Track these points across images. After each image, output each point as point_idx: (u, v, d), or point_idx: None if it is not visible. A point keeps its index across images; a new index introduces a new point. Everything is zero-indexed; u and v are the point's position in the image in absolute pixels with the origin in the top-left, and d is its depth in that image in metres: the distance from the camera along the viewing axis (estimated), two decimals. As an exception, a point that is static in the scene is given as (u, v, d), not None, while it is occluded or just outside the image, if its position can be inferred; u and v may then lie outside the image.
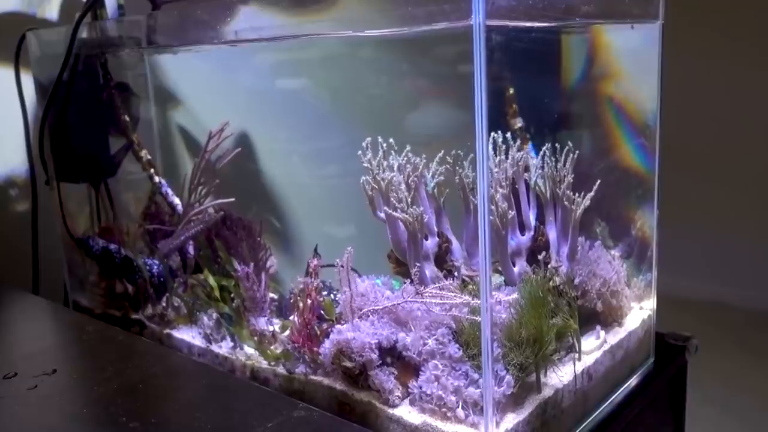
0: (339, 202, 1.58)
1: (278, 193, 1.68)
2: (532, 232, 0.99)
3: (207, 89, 1.58)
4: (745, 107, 3.33)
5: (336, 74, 1.56)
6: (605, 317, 1.05)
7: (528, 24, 0.84)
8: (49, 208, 1.47)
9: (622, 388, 1.06)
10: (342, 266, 0.95)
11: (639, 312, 1.14)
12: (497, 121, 1.29)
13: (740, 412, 2.51)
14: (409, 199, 0.93)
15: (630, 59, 1.16)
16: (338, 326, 0.95)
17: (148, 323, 1.28)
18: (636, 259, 1.18)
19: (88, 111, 1.35)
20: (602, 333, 1.03)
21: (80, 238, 1.39)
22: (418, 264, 0.91)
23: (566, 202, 0.95)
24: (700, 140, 3.43)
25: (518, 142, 1.24)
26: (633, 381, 1.09)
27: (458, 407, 0.84)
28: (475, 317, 0.84)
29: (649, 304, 1.15)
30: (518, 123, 1.27)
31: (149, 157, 1.31)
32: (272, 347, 1.07)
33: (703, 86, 3.38)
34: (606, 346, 1.02)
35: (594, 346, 1.01)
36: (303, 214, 1.67)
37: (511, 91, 1.27)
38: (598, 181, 0.97)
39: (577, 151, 0.97)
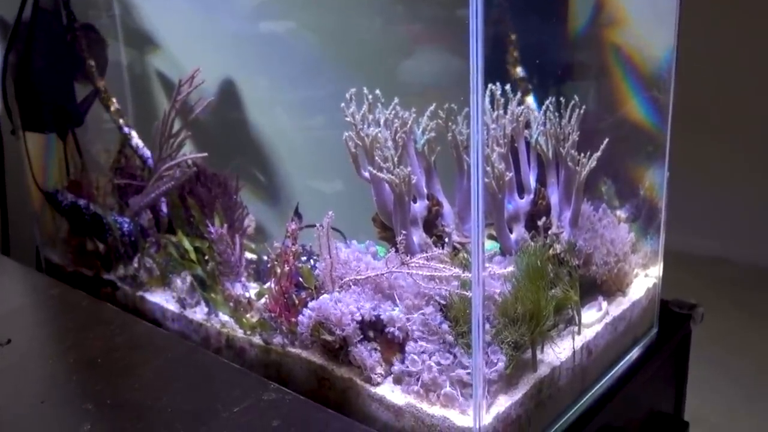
0: (327, 155, 1.49)
1: (263, 144, 1.59)
2: (531, 196, 0.90)
3: (185, 31, 1.47)
4: (755, 60, 3.21)
5: (325, 16, 1.44)
6: (608, 287, 0.97)
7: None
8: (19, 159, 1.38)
9: (623, 362, 0.99)
10: (322, 232, 0.86)
11: (644, 279, 1.06)
12: (496, 70, 1.20)
13: (735, 372, 2.47)
14: (396, 158, 0.84)
15: (643, 3, 1.05)
16: (317, 297, 0.87)
17: (121, 284, 1.20)
18: (643, 223, 1.10)
19: (51, 55, 1.24)
20: (604, 304, 0.95)
21: (48, 192, 1.30)
22: (404, 231, 0.82)
23: (570, 163, 0.86)
24: (704, 93, 3.32)
25: (519, 93, 1.14)
26: (635, 353, 1.02)
27: (445, 389, 0.77)
28: (465, 292, 0.75)
29: (655, 271, 1.07)
30: (519, 72, 1.17)
31: (118, 106, 1.21)
32: (248, 315, 1.00)
33: (713, 38, 3.25)
34: (608, 318, 0.94)
35: (595, 319, 0.93)
36: (289, 168, 1.58)
37: (513, 37, 1.17)
38: (606, 140, 0.87)
39: (583, 106, 0.87)
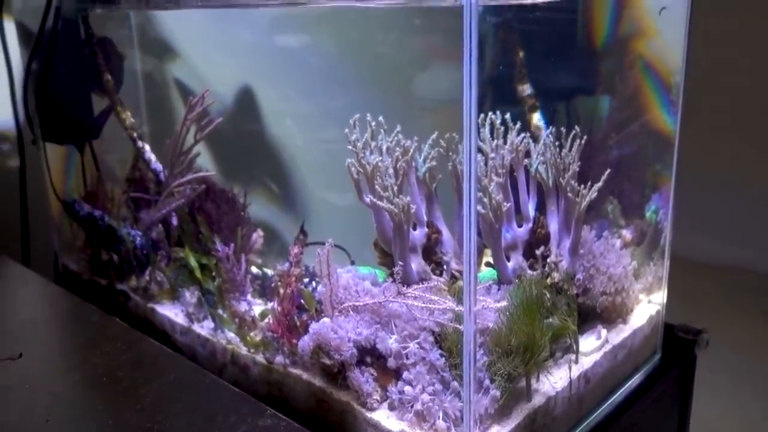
0: (340, 167, 1.50)
1: (277, 155, 1.61)
2: (530, 224, 0.90)
3: (201, 45, 1.49)
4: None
5: (341, 29, 1.45)
6: (608, 315, 0.97)
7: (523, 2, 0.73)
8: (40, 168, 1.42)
9: (623, 389, 0.99)
10: (323, 257, 0.87)
11: (647, 306, 1.05)
12: (504, 87, 1.20)
13: (754, 381, 2.44)
14: (396, 187, 0.85)
15: (654, 21, 1.04)
16: (316, 321, 0.88)
17: (133, 295, 1.23)
18: (648, 247, 1.10)
19: (70, 69, 1.27)
20: (604, 332, 0.95)
21: (67, 201, 1.33)
22: (401, 263, 0.83)
23: (570, 194, 0.86)
24: (725, 97, 3.27)
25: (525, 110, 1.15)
26: (636, 380, 1.02)
27: (438, 419, 0.78)
28: (458, 325, 0.76)
29: (659, 298, 1.06)
30: (527, 89, 1.17)
31: (132, 120, 1.23)
32: (252, 334, 1.02)
33: (728, 41, 3.20)
34: (607, 347, 0.94)
35: (594, 347, 0.93)
36: (302, 180, 1.60)
37: (521, 54, 1.17)
38: (608, 171, 0.87)
39: (585, 137, 0.87)
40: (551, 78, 1.15)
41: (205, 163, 1.51)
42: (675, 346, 1.11)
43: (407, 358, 0.81)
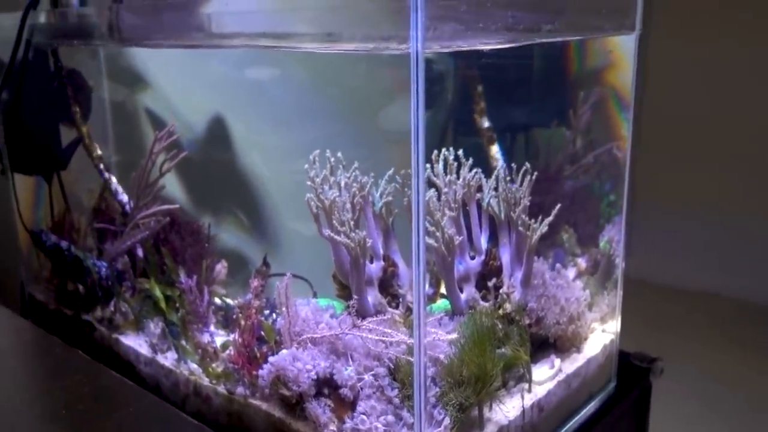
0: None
1: (248, 186, 1.63)
2: (483, 257, 0.93)
3: (172, 76, 1.51)
4: (736, 94, 3.24)
5: (310, 63, 1.48)
6: (562, 344, 1.00)
7: (471, 48, 0.77)
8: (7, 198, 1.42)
9: (577, 417, 1.02)
10: (282, 290, 0.89)
11: (601, 335, 1.08)
12: (464, 120, 1.24)
13: (725, 405, 2.48)
14: (352, 222, 0.87)
15: (602, 67, 1.09)
16: (275, 353, 0.90)
17: (98, 326, 1.23)
18: (602, 276, 1.13)
19: (39, 101, 1.29)
20: (557, 361, 0.98)
21: (34, 232, 1.34)
22: (356, 296, 0.85)
23: (521, 228, 0.89)
24: (694, 127, 3.36)
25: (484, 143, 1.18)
26: (591, 408, 1.05)
27: (391, 449, 0.80)
28: (410, 357, 0.78)
29: (613, 327, 1.09)
30: (485, 122, 1.21)
31: (100, 151, 1.25)
32: (214, 365, 1.03)
33: (684, 72, 3.30)
34: (561, 376, 0.97)
35: (547, 376, 0.96)
36: (272, 210, 1.62)
37: (479, 88, 1.21)
38: (558, 205, 0.90)
39: (535, 173, 0.90)
40: (510, 113, 1.19)
41: (177, 193, 1.53)
42: (630, 374, 1.13)
43: (362, 390, 0.83)
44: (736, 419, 2.41)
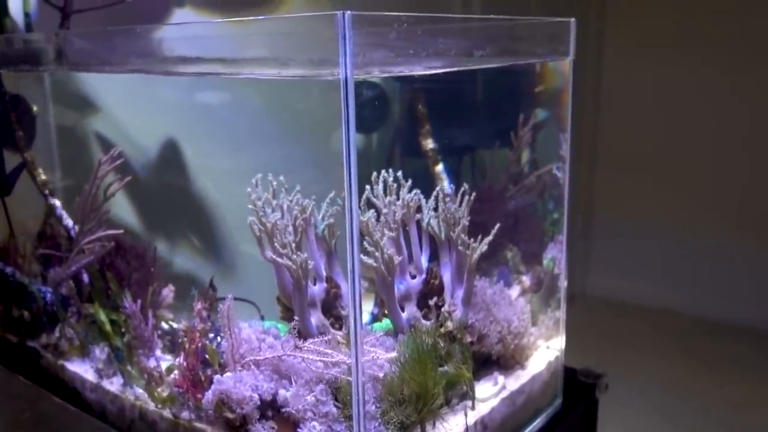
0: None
1: (200, 209, 1.63)
2: (423, 276, 0.94)
3: (123, 100, 1.51)
4: (689, 114, 3.34)
5: (261, 88, 1.50)
6: (505, 361, 1.01)
7: (405, 72, 0.79)
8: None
9: (523, 433, 1.03)
10: (224, 313, 0.90)
11: (546, 352, 1.10)
12: (409, 142, 1.26)
13: (680, 418, 2.52)
14: (294, 244, 0.88)
15: (541, 90, 1.12)
16: (219, 376, 0.90)
17: (43, 352, 1.21)
18: (545, 293, 1.15)
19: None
20: (501, 378, 0.99)
21: (-23, 258, 1.32)
22: (296, 318, 0.86)
23: (461, 247, 0.91)
24: (640, 142, 3.45)
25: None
26: (537, 425, 1.06)
27: (334, 469, 0.80)
28: (349, 377, 0.79)
29: (558, 344, 1.11)
30: (430, 144, 1.24)
31: (44, 177, 1.24)
32: (159, 389, 1.02)
33: (639, 90, 3.39)
34: (505, 393, 0.98)
35: (491, 393, 0.97)
36: (225, 233, 1.62)
37: (425, 113, 1.23)
38: (498, 225, 0.92)
39: (473, 194, 0.92)
40: (453, 135, 1.22)
41: (129, 218, 1.52)
42: (577, 390, 1.15)
43: (305, 411, 0.83)
44: (693, 430, 2.45)
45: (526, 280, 1.17)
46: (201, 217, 1.64)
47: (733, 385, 2.74)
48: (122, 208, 1.45)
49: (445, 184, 1.13)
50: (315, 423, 0.82)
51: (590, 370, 1.18)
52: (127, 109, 1.55)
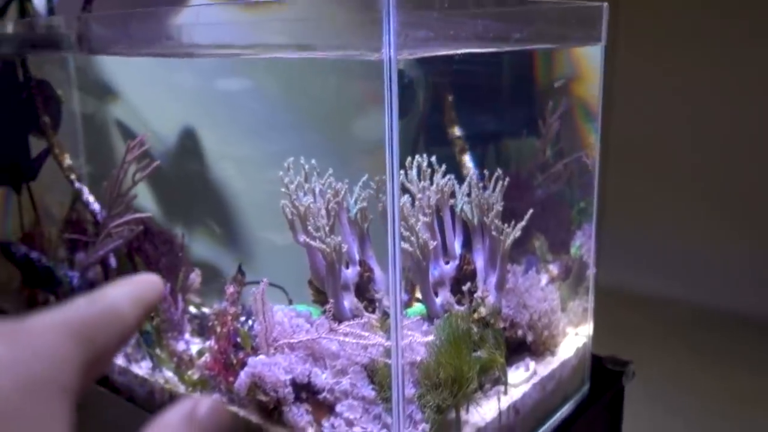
0: (280, 208, 1.54)
1: (219, 196, 1.63)
2: (457, 262, 0.94)
3: (143, 87, 1.51)
4: (702, 106, 3.33)
5: (281, 74, 1.49)
6: (536, 347, 1.01)
7: (446, 53, 0.79)
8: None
9: (553, 419, 1.03)
10: (258, 297, 0.90)
11: (574, 338, 1.10)
12: (435, 130, 1.25)
13: (684, 411, 2.52)
14: (327, 228, 0.88)
15: (570, 77, 1.12)
16: (253, 358, 0.90)
17: (70, 337, 1.22)
18: (574, 281, 1.15)
19: (7, 111, 1.28)
20: (532, 364, 0.99)
21: (2, 243, 1.32)
22: (332, 301, 0.86)
23: (494, 233, 0.90)
24: (649, 137, 3.44)
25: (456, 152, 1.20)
26: (566, 410, 1.06)
27: (370, 452, 0.80)
28: (387, 359, 0.79)
29: (586, 330, 1.11)
30: (457, 132, 1.23)
31: (70, 162, 1.24)
32: (190, 372, 1.02)
33: (651, 86, 3.38)
34: (536, 378, 0.98)
35: (522, 379, 0.97)
36: (244, 220, 1.62)
37: (451, 99, 1.23)
38: (530, 210, 0.92)
39: (507, 178, 0.92)
40: (480, 122, 1.21)
41: (148, 204, 1.52)
42: (603, 377, 1.15)
43: (340, 393, 0.83)
44: (697, 423, 2.45)
45: (554, 269, 1.17)
46: (219, 204, 1.64)
47: (739, 378, 2.73)
48: (142, 196, 1.45)
49: (470, 174, 1.12)
50: (351, 405, 0.83)
51: (617, 358, 1.18)
52: (147, 96, 1.55)
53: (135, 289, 0.36)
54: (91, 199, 1.21)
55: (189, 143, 1.59)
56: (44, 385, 0.28)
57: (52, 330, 0.30)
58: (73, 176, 1.23)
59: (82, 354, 0.31)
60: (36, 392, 0.27)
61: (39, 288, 1.28)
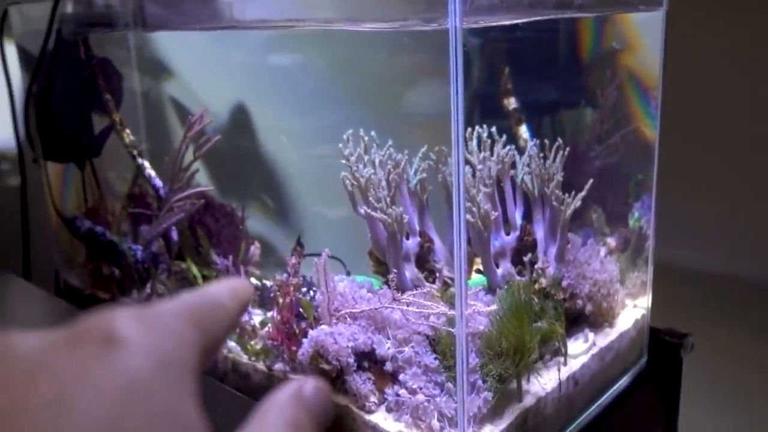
0: (332, 182, 1.55)
1: (272, 171, 1.65)
2: (517, 232, 0.94)
3: (196, 65, 1.53)
4: (755, 77, 3.22)
5: (332, 48, 1.50)
6: (595, 319, 1.01)
7: (510, 22, 0.78)
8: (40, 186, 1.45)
9: (611, 391, 1.03)
10: (320, 266, 0.91)
11: (633, 310, 1.10)
12: (490, 101, 1.25)
13: (743, 390, 2.47)
14: (389, 198, 0.89)
15: (628, 46, 1.10)
16: (315, 328, 0.92)
17: (134, 308, 1.26)
18: (632, 253, 1.14)
19: (71, 89, 1.31)
20: (591, 335, 0.99)
21: (67, 218, 1.37)
22: (395, 270, 0.87)
23: (555, 203, 0.90)
24: (711, 110, 3.34)
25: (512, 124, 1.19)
26: (624, 382, 1.06)
27: (434, 419, 0.82)
28: (450, 328, 0.80)
29: (644, 302, 1.11)
30: (512, 103, 1.22)
31: (132, 137, 1.27)
32: (252, 342, 1.05)
33: (707, 55, 3.28)
34: (594, 350, 0.98)
35: (582, 350, 0.97)
36: (296, 194, 1.64)
37: (506, 70, 1.22)
38: (590, 181, 0.92)
39: (567, 148, 0.92)
40: (536, 93, 1.20)
41: (203, 180, 1.55)
42: (661, 350, 1.14)
43: (403, 362, 0.85)
44: (757, 401, 2.41)
45: (611, 241, 1.16)
46: (272, 179, 1.66)
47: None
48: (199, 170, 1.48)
49: (530, 145, 1.12)
50: (414, 373, 0.84)
51: (675, 330, 1.17)
52: (201, 72, 1.57)
53: (232, 286, 0.39)
54: (153, 174, 1.24)
55: (242, 118, 1.61)
56: (176, 365, 0.30)
57: (176, 316, 0.32)
58: (134, 152, 1.26)
59: (201, 339, 0.33)
60: (170, 372, 0.29)
61: (103, 261, 1.32)
